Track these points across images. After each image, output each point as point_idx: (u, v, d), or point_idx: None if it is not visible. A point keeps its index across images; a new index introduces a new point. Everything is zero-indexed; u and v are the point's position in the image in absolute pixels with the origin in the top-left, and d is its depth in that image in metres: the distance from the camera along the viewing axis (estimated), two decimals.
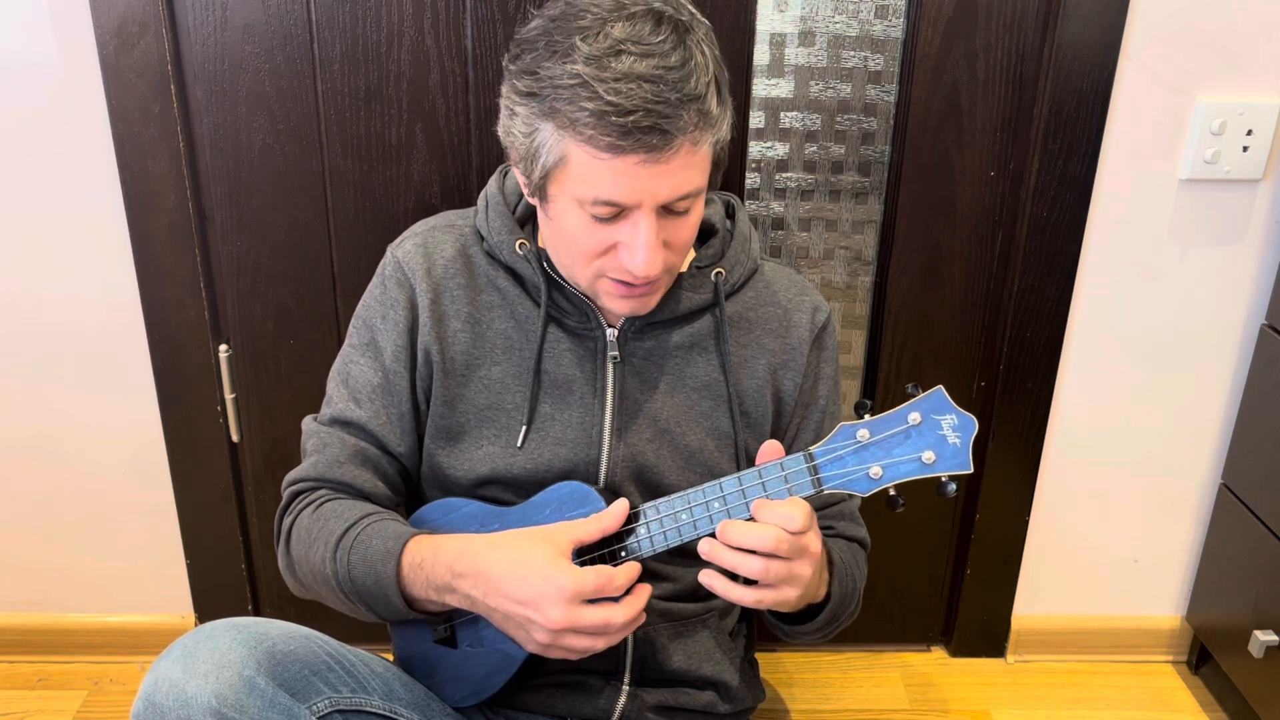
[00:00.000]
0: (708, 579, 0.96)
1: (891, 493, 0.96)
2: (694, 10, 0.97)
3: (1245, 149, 1.43)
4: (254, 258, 1.47)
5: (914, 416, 0.95)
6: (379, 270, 1.14)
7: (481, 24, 1.35)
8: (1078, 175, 1.45)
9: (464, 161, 1.42)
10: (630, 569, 0.97)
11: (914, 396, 0.95)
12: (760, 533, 0.93)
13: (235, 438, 1.58)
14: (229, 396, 1.54)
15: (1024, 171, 1.46)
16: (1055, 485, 1.65)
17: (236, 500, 1.62)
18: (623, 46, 0.90)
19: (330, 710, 0.95)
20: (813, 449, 0.97)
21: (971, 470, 0.95)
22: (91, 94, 1.38)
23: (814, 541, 0.96)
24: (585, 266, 1.01)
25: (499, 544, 0.98)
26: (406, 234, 1.15)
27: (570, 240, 1.00)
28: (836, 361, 1.20)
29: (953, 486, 0.94)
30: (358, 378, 1.12)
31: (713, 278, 1.12)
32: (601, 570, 0.95)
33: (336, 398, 1.13)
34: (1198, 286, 1.53)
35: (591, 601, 0.95)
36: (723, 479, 0.99)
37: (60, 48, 1.37)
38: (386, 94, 1.38)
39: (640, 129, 0.89)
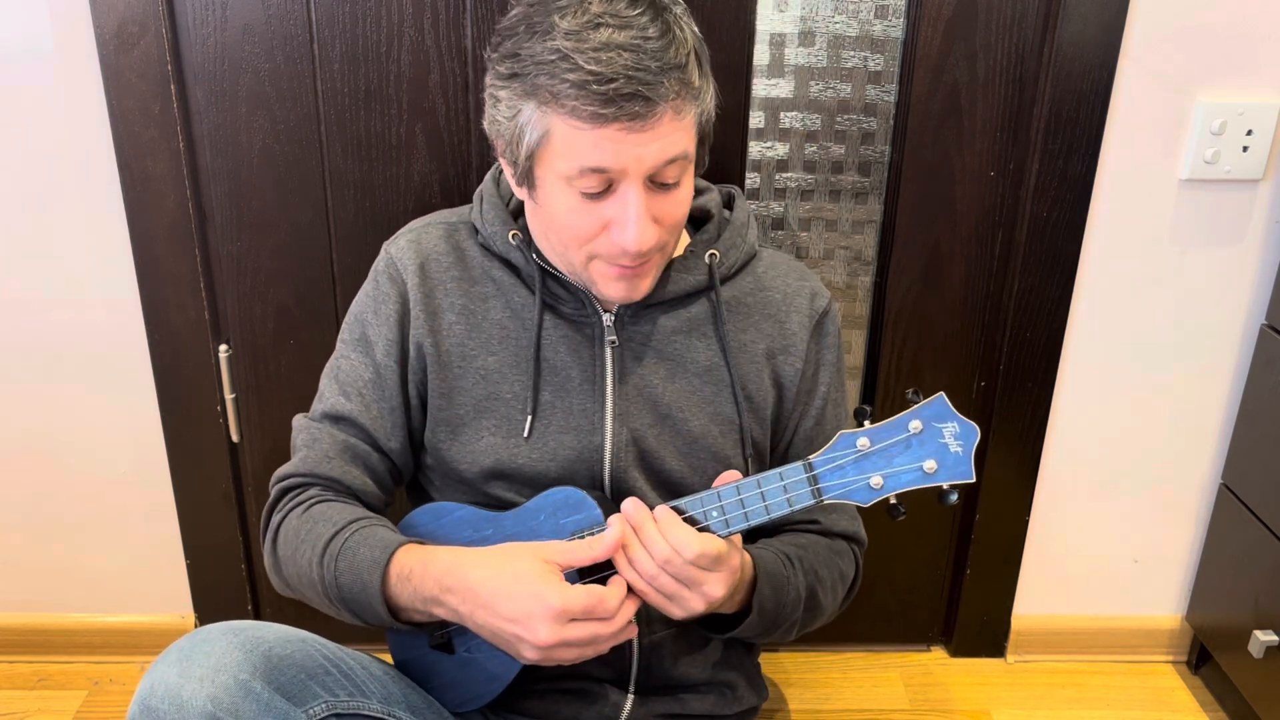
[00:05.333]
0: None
1: (892, 501, 0.95)
2: None
3: (1245, 149, 1.43)
4: (254, 258, 1.47)
5: (915, 424, 0.93)
6: (373, 268, 1.15)
7: (481, 24, 1.35)
8: (1078, 175, 1.45)
9: (464, 161, 1.42)
10: (621, 589, 0.96)
11: (914, 403, 0.94)
12: (658, 546, 0.95)
13: (235, 438, 1.58)
14: (229, 397, 1.54)
15: (1024, 171, 1.46)
16: (1055, 485, 1.65)
17: (236, 500, 1.61)
18: (601, 20, 0.91)
19: (327, 714, 0.94)
20: (812, 458, 0.96)
21: (974, 480, 0.93)
22: (91, 94, 1.38)
23: (711, 584, 0.96)
24: (578, 251, 1.01)
25: (489, 560, 0.97)
26: (400, 231, 1.16)
27: (561, 226, 1.00)
28: (839, 349, 1.19)
29: (955, 496, 0.93)
30: (348, 372, 1.12)
31: (706, 259, 1.11)
32: (593, 590, 0.94)
33: (327, 393, 1.14)
34: (1198, 286, 1.53)
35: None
36: (721, 488, 0.98)
37: (60, 48, 1.37)
38: (386, 94, 1.38)
39: (622, 96, 0.90)
